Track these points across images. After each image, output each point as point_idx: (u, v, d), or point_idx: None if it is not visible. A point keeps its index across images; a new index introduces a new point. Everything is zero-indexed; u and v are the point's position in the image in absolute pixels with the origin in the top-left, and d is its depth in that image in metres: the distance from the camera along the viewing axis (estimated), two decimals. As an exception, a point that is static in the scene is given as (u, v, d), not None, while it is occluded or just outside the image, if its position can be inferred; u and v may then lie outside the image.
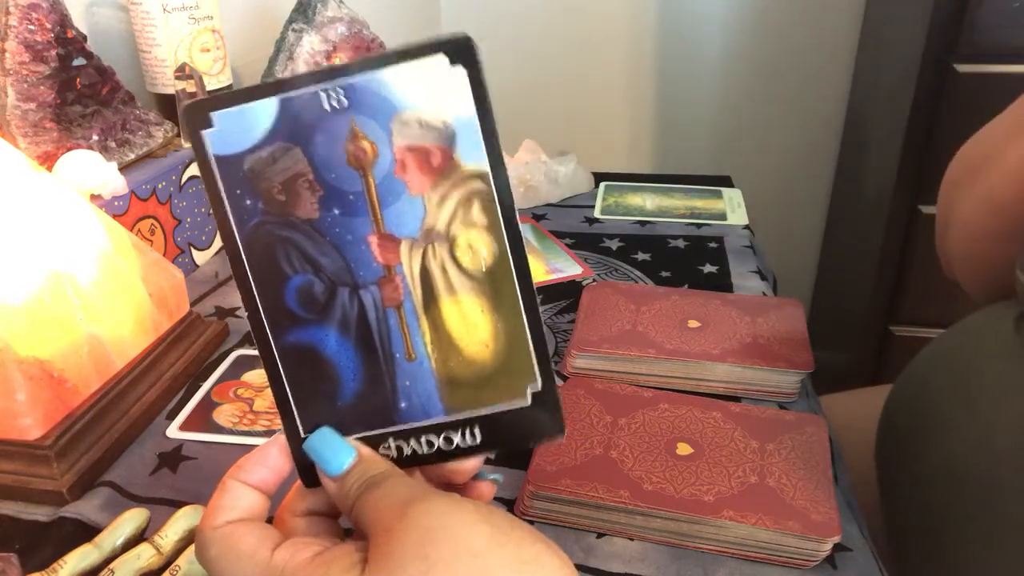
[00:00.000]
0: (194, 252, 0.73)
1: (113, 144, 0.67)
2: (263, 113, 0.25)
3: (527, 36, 1.54)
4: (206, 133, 0.25)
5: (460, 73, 0.25)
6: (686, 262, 0.75)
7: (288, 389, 0.28)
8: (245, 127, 0.25)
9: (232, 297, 0.69)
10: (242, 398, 0.55)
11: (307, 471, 0.29)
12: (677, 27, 1.49)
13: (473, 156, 0.26)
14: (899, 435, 0.61)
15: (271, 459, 0.29)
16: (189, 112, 0.25)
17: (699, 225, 0.83)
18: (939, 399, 0.56)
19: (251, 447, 0.50)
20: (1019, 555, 0.49)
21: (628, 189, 0.93)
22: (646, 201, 0.90)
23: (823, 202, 1.58)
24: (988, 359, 0.53)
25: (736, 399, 0.53)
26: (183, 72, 0.71)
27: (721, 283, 0.71)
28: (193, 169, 0.72)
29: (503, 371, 0.28)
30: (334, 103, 0.25)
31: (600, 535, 0.43)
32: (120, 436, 0.49)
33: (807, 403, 0.54)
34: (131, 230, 0.62)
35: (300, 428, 0.28)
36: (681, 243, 0.79)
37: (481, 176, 0.26)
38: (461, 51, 0.25)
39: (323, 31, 0.79)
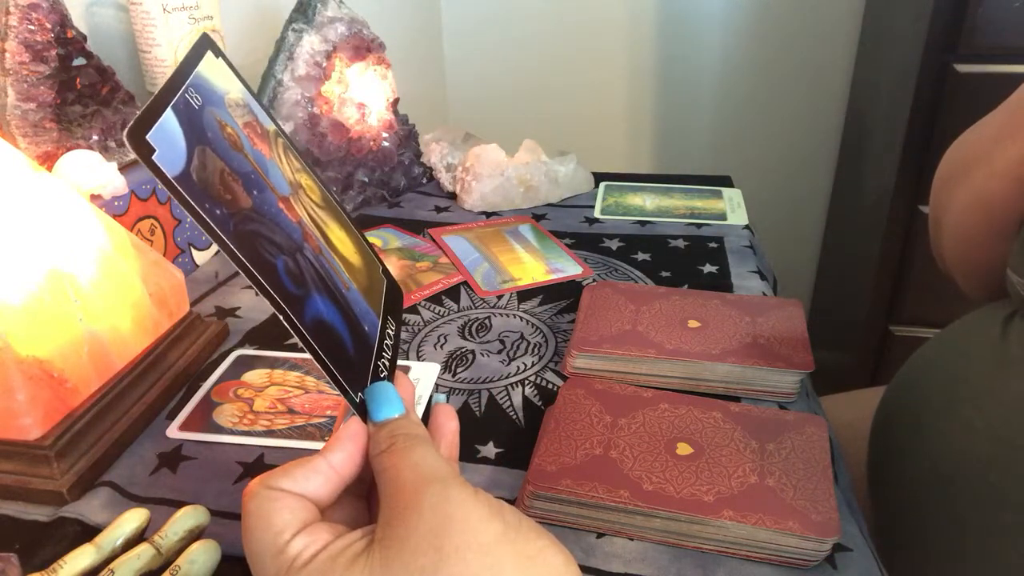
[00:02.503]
0: (194, 252, 0.73)
1: (113, 144, 0.67)
2: (172, 125, 0.26)
3: (527, 36, 1.54)
4: (156, 159, 0.25)
5: (222, 62, 0.30)
6: (686, 262, 0.75)
7: (329, 362, 0.29)
8: (171, 143, 0.26)
9: (232, 297, 0.69)
10: (242, 398, 0.55)
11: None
12: (677, 27, 1.49)
13: (264, 119, 0.31)
14: (889, 438, 0.61)
15: (347, 466, 0.30)
16: (132, 142, 0.25)
17: (699, 225, 0.83)
18: (927, 403, 0.56)
19: (251, 447, 0.51)
20: (1001, 558, 0.49)
21: (628, 189, 0.93)
22: (646, 201, 0.90)
23: (823, 202, 1.58)
24: (974, 364, 0.53)
25: (736, 399, 0.53)
26: (183, 72, 0.71)
27: (721, 283, 0.71)
28: (193, 169, 0.72)
29: (370, 267, 0.34)
30: (195, 101, 0.28)
31: (600, 535, 0.43)
32: (120, 436, 0.49)
33: (807, 403, 0.54)
34: (131, 230, 0.62)
35: (351, 391, 0.30)
36: (681, 243, 0.79)
37: (278, 132, 0.31)
38: (213, 45, 0.30)
39: (323, 31, 0.79)
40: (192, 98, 0.27)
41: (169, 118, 0.26)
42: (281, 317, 0.28)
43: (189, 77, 0.28)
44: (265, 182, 0.29)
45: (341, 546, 0.26)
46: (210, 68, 0.29)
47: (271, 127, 0.32)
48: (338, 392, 0.30)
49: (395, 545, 0.25)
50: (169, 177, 0.25)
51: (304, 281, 0.29)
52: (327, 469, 0.29)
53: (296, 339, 0.28)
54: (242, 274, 0.27)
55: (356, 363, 0.30)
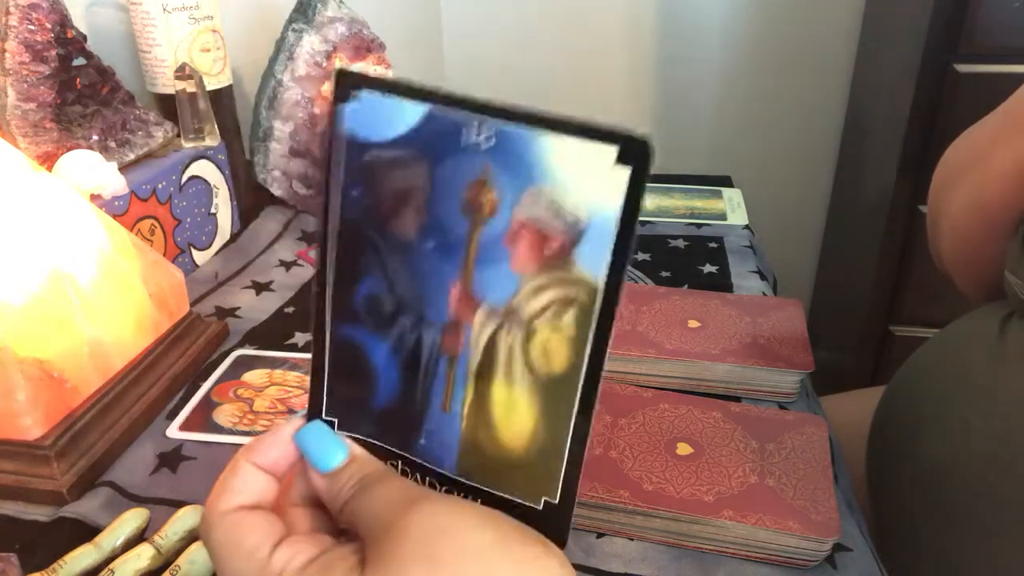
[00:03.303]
0: (194, 252, 0.73)
1: (113, 144, 0.67)
2: (408, 113, 0.23)
3: (527, 36, 1.54)
4: (346, 108, 0.24)
5: (622, 174, 0.22)
6: (686, 262, 0.75)
7: (327, 372, 0.28)
8: (385, 118, 0.24)
9: (232, 297, 0.69)
10: (242, 398, 0.55)
11: None
12: (677, 27, 1.49)
13: (592, 263, 0.23)
14: (888, 438, 0.61)
15: (284, 441, 0.28)
16: (339, 79, 0.24)
17: (699, 225, 0.83)
18: (925, 403, 0.56)
19: (251, 447, 0.50)
20: (1000, 557, 0.49)
21: (628, 189, 0.93)
22: (646, 201, 0.90)
23: (823, 202, 1.58)
24: (972, 364, 0.53)
25: (736, 399, 0.53)
26: (183, 72, 0.71)
27: (721, 283, 0.71)
28: (193, 169, 0.72)
29: (527, 470, 0.26)
30: (481, 138, 0.23)
31: (600, 535, 0.43)
32: (120, 436, 0.49)
33: (807, 403, 0.54)
34: (131, 230, 0.62)
35: (323, 413, 0.28)
36: (681, 243, 0.79)
37: (590, 288, 0.23)
38: (635, 151, 0.22)
39: (323, 31, 0.79)
40: (481, 132, 0.23)
41: (412, 109, 0.23)
42: (314, 293, 0.26)
43: (503, 120, 0.23)
44: (463, 261, 0.24)
45: (334, 559, 0.25)
46: (577, 155, 0.22)
47: (585, 279, 0.23)
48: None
49: (383, 560, 0.24)
50: (341, 126, 0.24)
51: (382, 322, 0.26)
52: (263, 475, 0.28)
53: (314, 329, 0.27)
54: (319, 234, 0.26)
55: (368, 425, 0.28)
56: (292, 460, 0.28)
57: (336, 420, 0.28)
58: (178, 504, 0.44)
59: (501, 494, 0.27)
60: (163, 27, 0.74)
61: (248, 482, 0.27)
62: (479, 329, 0.25)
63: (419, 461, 0.28)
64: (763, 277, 0.72)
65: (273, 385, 0.56)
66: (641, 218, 0.77)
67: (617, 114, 1.58)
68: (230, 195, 0.78)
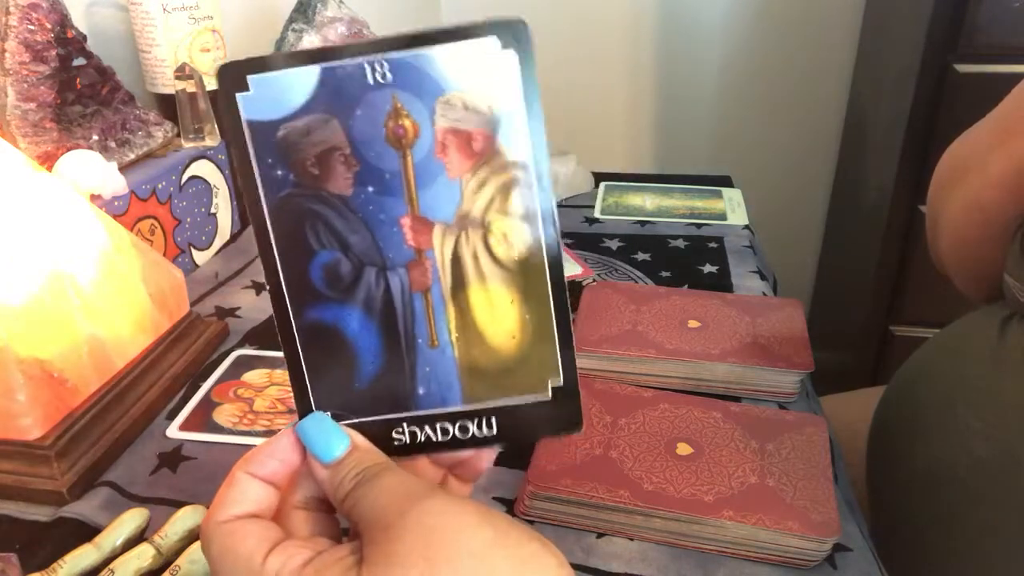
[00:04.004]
0: (194, 252, 0.73)
1: (113, 144, 0.67)
2: (302, 81, 0.24)
3: (527, 36, 1.54)
4: (240, 97, 0.24)
5: (511, 57, 0.24)
6: (686, 262, 0.75)
7: (304, 368, 0.27)
8: (282, 94, 0.25)
9: (232, 297, 0.69)
10: (242, 398, 0.55)
11: None
12: (677, 27, 1.49)
13: (516, 144, 0.25)
14: (887, 439, 0.61)
15: (282, 451, 0.28)
16: (224, 73, 0.24)
17: (699, 225, 0.83)
18: (924, 404, 0.56)
19: (251, 447, 0.50)
20: (998, 558, 0.49)
21: (628, 189, 0.93)
22: (646, 201, 0.90)
23: (823, 202, 1.58)
24: (971, 365, 0.53)
25: (736, 399, 0.53)
26: (183, 72, 0.71)
27: (721, 283, 0.71)
28: (193, 169, 0.72)
29: (526, 363, 0.27)
30: (378, 77, 0.24)
31: (600, 535, 0.43)
32: (120, 436, 0.49)
33: (807, 403, 0.54)
34: (131, 230, 0.62)
35: (314, 409, 0.28)
36: (681, 243, 0.79)
37: (522, 165, 0.25)
38: (514, 34, 0.24)
39: (323, 31, 0.79)
40: (376, 71, 0.24)
41: (305, 74, 0.24)
42: (269, 288, 0.26)
43: (392, 52, 0.24)
44: (405, 190, 0.26)
45: (329, 560, 0.25)
46: (466, 56, 0.24)
47: (514, 159, 0.25)
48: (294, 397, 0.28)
49: (381, 560, 0.24)
50: (241, 116, 0.24)
51: (345, 288, 0.27)
52: (261, 485, 0.28)
53: (276, 323, 0.27)
54: (254, 230, 0.26)
55: (363, 402, 0.28)
56: (291, 468, 0.28)
57: (329, 412, 0.28)
58: (178, 504, 0.44)
59: (512, 401, 0.27)
60: (163, 27, 0.74)
61: (245, 493, 0.27)
62: (440, 248, 0.26)
63: (425, 413, 0.28)
64: (763, 277, 0.72)
65: (273, 385, 0.56)
66: (641, 218, 0.77)
67: (618, 115, 1.58)
68: (230, 195, 0.78)
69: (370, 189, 0.25)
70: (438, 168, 0.25)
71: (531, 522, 0.44)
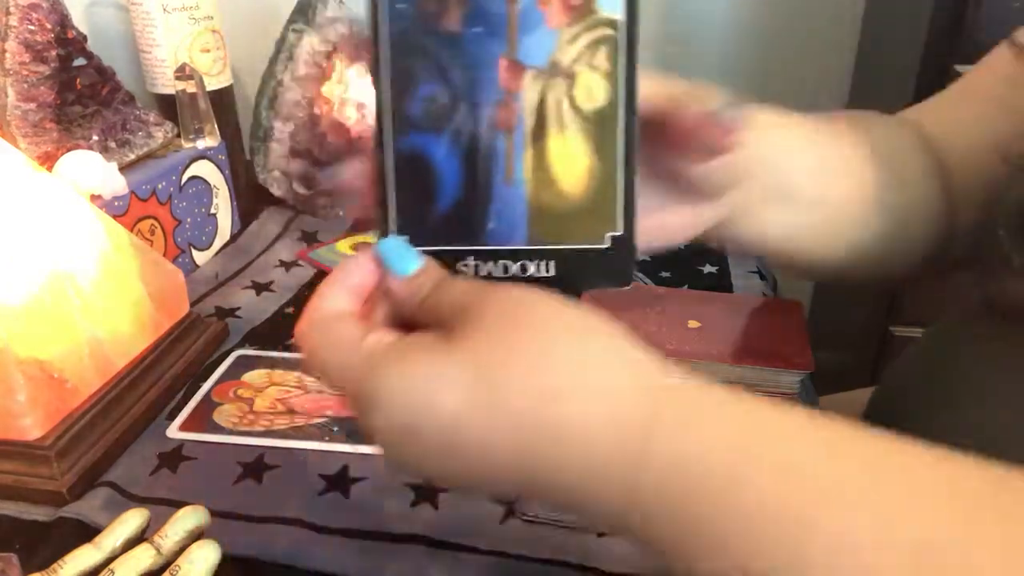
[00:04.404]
0: (194, 252, 0.73)
1: (113, 144, 0.67)
2: None
3: (527, 36, 1.54)
4: None
5: None
6: (686, 262, 0.75)
7: (392, 192, 0.29)
8: None
9: (232, 297, 0.69)
10: (242, 398, 0.55)
11: None
12: (676, 28, 1.49)
13: (610, 4, 0.28)
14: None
15: (362, 266, 0.29)
16: None
17: (699, 225, 0.83)
18: (911, 405, 0.55)
19: (251, 447, 0.51)
20: None
21: (628, 189, 0.93)
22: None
23: (823, 202, 1.58)
24: (959, 364, 0.52)
25: (736, 399, 0.53)
26: (183, 72, 0.71)
27: (721, 283, 0.71)
28: (193, 169, 0.72)
29: (590, 210, 0.29)
30: None
31: (600, 535, 0.43)
32: (120, 436, 0.49)
33: (807, 403, 0.54)
34: (131, 230, 0.62)
35: (394, 228, 0.30)
36: (681, 243, 0.79)
37: (614, 24, 0.28)
38: None
39: (323, 31, 0.79)
40: None
41: None
42: (375, 114, 0.29)
43: None
44: (507, 32, 0.28)
45: (415, 338, 0.26)
46: None
47: (609, 17, 0.29)
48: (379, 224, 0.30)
49: (470, 334, 0.25)
50: None
51: (440, 119, 0.29)
52: (347, 294, 0.29)
53: (373, 147, 0.29)
54: (369, 59, 0.28)
55: (437, 229, 0.30)
56: (370, 283, 0.30)
57: (407, 236, 0.30)
58: (178, 504, 0.44)
59: (572, 246, 0.30)
60: (163, 27, 0.74)
61: (335, 299, 0.29)
62: (528, 92, 0.29)
63: (491, 247, 0.30)
64: (763, 277, 0.72)
65: (273, 385, 0.56)
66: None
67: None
68: (230, 195, 0.78)
69: (477, 29, 0.28)
70: (539, 17, 0.28)
71: (530, 523, 0.44)
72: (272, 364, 0.59)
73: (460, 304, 0.27)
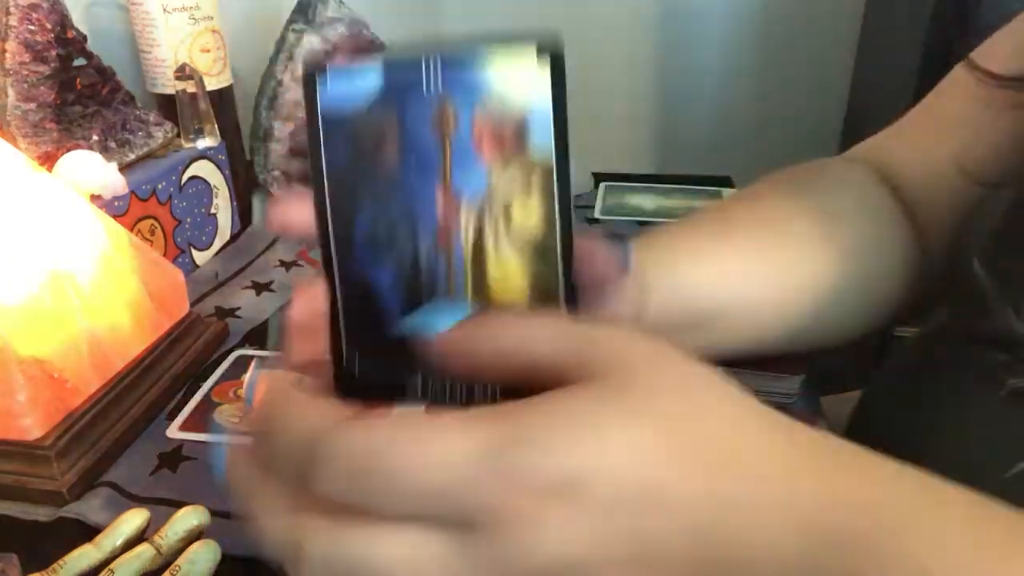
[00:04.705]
0: (194, 252, 0.73)
1: (113, 144, 0.67)
2: (369, 72, 0.29)
3: (527, 36, 1.54)
4: (319, 84, 0.29)
5: (544, 65, 0.28)
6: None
7: (342, 315, 0.30)
8: (352, 84, 0.29)
9: (232, 297, 0.69)
10: (242, 398, 0.55)
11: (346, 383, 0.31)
12: (677, 27, 1.49)
13: (542, 141, 0.29)
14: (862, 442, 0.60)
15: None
16: (308, 64, 0.28)
17: (699, 225, 0.83)
18: (891, 415, 0.54)
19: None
20: None
21: (628, 189, 0.93)
22: (646, 201, 0.90)
23: (823, 202, 1.58)
24: (935, 371, 0.51)
25: (736, 399, 0.53)
26: (183, 72, 0.71)
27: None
28: (193, 169, 0.72)
29: None
30: (432, 75, 0.28)
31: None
32: (120, 436, 0.49)
33: (807, 403, 0.54)
34: (131, 230, 0.62)
35: (344, 352, 0.30)
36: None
37: (545, 159, 0.29)
38: (549, 46, 0.28)
39: (323, 31, 0.79)
40: (430, 70, 0.29)
41: (372, 71, 0.28)
42: (319, 247, 0.30)
43: (445, 52, 0.28)
44: (441, 168, 0.30)
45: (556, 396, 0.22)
46: (507, 62, 0.28)
47: (540, 153, 0.29)
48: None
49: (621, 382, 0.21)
50: (316, 98, 0.28)
51: (382, 248, 0.30)
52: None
53: (323, 277, 0.30)
54: (312, 196, 0.29)
55: (382, 348, 0.30)
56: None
57: (357, 361, 0.30)
58: (178, 504, 0.44)
59: None
60: (163, 27, 0.74)
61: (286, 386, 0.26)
62: (466, 219, 0.30)
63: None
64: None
65: (273, 385, 0.56)
66: (641, 218, 0.77)
67: (618, 114, 1.58)
68: (230, 195, 0.78)
69: (412, 162, 0.29)
70: (472, 155, 0.29)
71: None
72: (272, 364, 0.59)
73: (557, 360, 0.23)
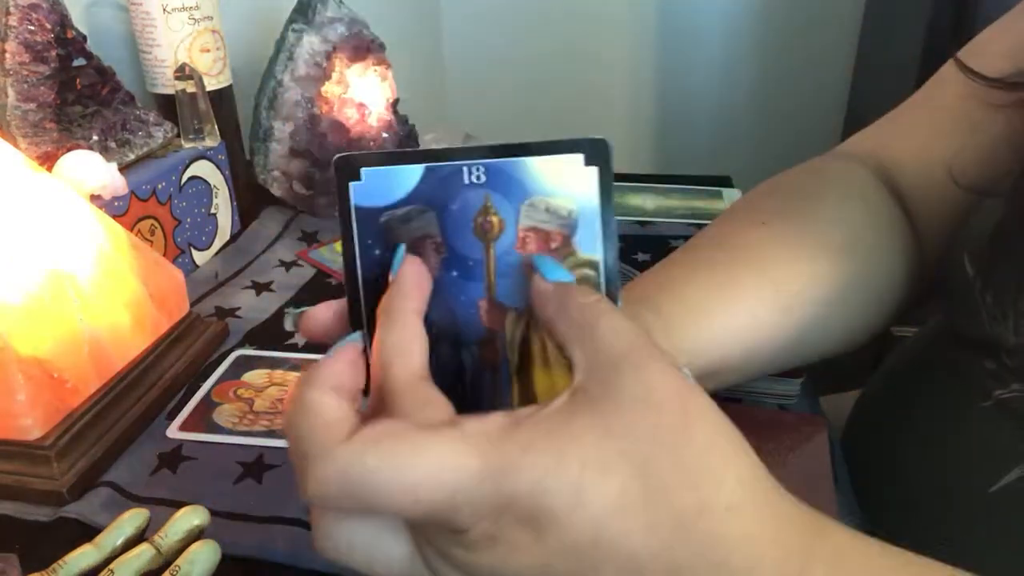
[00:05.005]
0: (194, 252, 0.73)
1: (113, 144, 0.67)
2: (408, 176, 0.28)
3: (527, 36, 1.54)
4: (353, 185, 0.28)
5: (592, 172, 0.28)
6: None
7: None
8: (389, 185, 0.28)
9: (232, 297, 0.69)
10: (242, 398, 0.55)
11: None
12: (677, 27, 1.49)
13: (589, 245, 0.29)
14: (861, 442, 0.60)
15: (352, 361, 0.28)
16: (341, 163, 0.28)
17: (699, 225, 0.83)
18: (887, 416, 0.54)
19: (251, 447, 0.51)
20: (984, 548, 0.48)
21: (628, 189, 0.93)
22: (646, 201, 0.90)
23: (823, 202, 1.58)
24: (927, 376, 0.51)
25: (737, 400, 0.53)
26: (183, 72, 0.71)
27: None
28: (193, 169, 0.72)
29: None
30: (474, 178, 0.28)
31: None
32: (120, 436, 0.49)
33: (807, 403, 0.54)
34: (131, 230, 0.62)
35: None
36: (681, 243, 0.79)
37: (593, 264, 0.29)
38: (597, 153, 0.28)
39: (323, 31, 0.79)
40: (472, 174, 0.28)
41: (411, 171, 0.28)
42: (365, 354, 0.28)
43: (489, 159, 0.28)
44: (485, 277, 0.29)
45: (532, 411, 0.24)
46: (554, 168, 0.28)
47: (587, 258, 0.29)
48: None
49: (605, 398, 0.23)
50: (351, 202, 0.28)
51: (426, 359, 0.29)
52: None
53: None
54: (347, 302, 0.28)
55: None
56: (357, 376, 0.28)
57: None
58: (178, 504, 0.44)
59: None
60: (163, 27, 0.74)
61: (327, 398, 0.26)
62: (511, 332, 0.29)
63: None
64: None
65: (273, 385, 0.56)
66: (641, 219, 0.77)
67: (618, 114, 1.58)
68: (230, 195, 0.78)
69: (454, 273, 0.29)
70: (517, 261, 0.29)
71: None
72: (272, 364, 0.59)
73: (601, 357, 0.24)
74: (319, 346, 0.30)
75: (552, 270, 0.28)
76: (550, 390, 0.29)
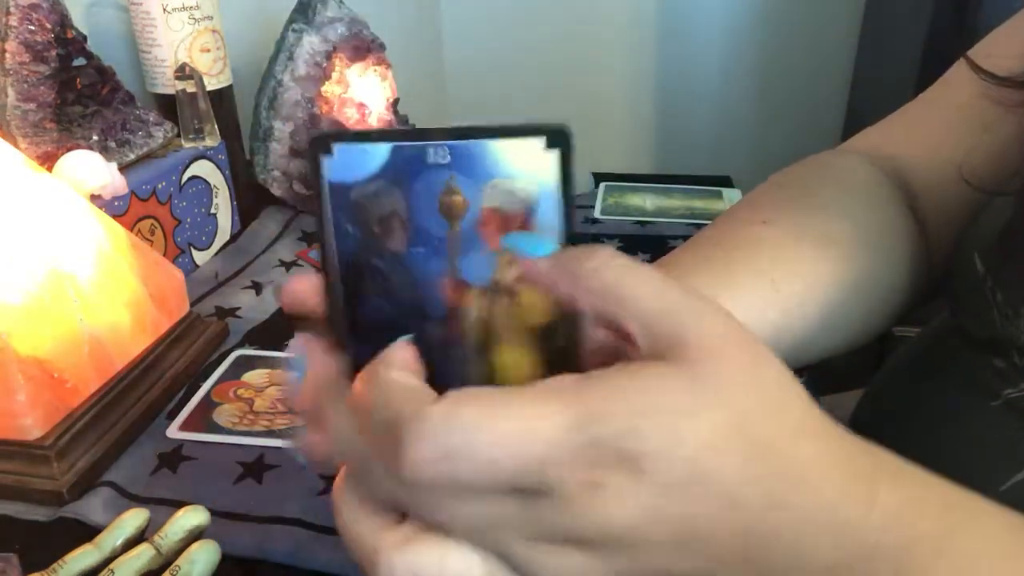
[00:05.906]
0: (194, 252, 0.73)
1: (113, 144, 0.67)
2: (376, 154, 0.29)
3: (527, 36, 1.54)
4: (325, 160, 0.29)
5: (553, 155, 0.29)
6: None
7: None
8: (360, 162, 0.29)
9: (232, 297, 0.69)
10: (242, 398, 0.55)
11: None
12: (677, 27, 1.49)
13: (548, 228, 0.29)
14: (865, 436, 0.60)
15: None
16: (314, 139, 0.29)
17: (699, 225, 0.83)
18: (891, 415, 0.54)
19: (251, 447, 0.51)
20: None
21: (628, 189, 0.93)
22: (646, 201, 0.90)
23: (823, 202, 1.58)
24: (933, 374, 0.51)
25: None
26: (183, 72, 0.71)
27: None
28: (193, 169, 0.72)
29: None
30: (439, 159, 0.29)
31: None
32: (120, 436, 0.49)
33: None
34: (131, 230, 0.62)
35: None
36: (681, 243, 0.79)
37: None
38: (559, 137, 0.29)
39: (323, 31, 0.79)
40: (436, 154, 0.29)
41: (379, 149, 0.29)
42: (332, 324, 0.30)
43: (453, 140, 0.29)
44: (448, 254, 0.30)
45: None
46: (516, 151, 0.29)
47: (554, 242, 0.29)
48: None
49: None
50: (324, 176, 0.29)
51: (389, 330, 0.30)
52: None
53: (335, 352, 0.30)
54: (324, 275, 0.29)
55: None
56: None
57: None
58: (178, 504, 0.44)
59: None
60: (163, 27, 0.74)
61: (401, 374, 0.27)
62: (474, 307, 0.30)
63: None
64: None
65: (273, 385, 0.56)
66: (641, 218, 0.77)
67: (618, 114, 1.58)
68: (230, 195, 0.78)
69: (420, 250, 0.30)
70: (479, 240, 0.29)
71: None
72: (272, 364, 0.59)
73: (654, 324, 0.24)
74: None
75: (535, 246, 0.28)
76: (515, 365, 0.29)
